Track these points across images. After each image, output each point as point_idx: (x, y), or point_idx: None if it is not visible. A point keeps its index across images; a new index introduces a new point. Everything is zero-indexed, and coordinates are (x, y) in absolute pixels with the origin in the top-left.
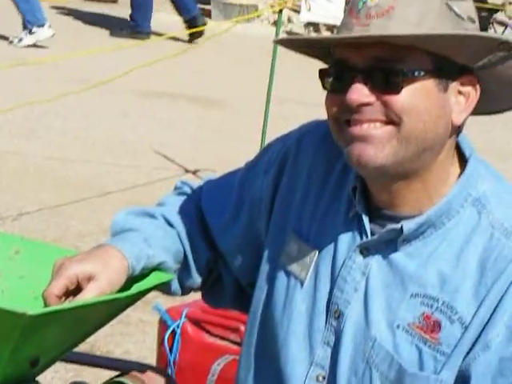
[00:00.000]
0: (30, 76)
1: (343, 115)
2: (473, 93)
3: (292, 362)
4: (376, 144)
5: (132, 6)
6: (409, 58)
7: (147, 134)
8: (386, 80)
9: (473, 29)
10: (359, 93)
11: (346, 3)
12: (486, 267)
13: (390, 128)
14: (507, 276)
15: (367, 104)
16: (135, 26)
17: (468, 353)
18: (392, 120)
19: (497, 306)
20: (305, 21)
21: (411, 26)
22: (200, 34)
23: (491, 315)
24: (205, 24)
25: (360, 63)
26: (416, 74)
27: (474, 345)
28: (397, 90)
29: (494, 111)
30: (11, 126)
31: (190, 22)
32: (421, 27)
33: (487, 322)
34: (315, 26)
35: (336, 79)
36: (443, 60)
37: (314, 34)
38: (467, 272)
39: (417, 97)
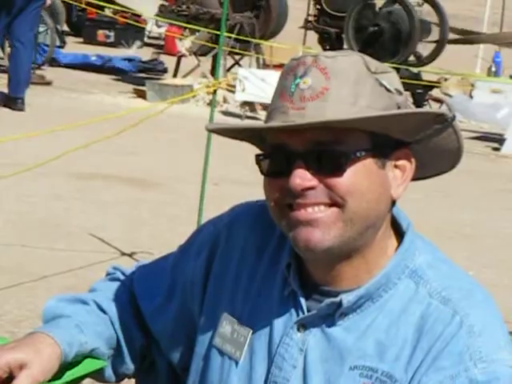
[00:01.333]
0: None
1: (285, 199)
2: (408, 165)
3: None
4: (322, 227)
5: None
6: (348, 139)
7: (82, 216)
8: (329, 163)
9: (402, 101)
10: (302, 177)
11: (277, 86)
12: (423, 332)
13: (334, 210)
14: (444, 338)
15: (311, 188)
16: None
17: None
18: (336, 202)
19: (431, 365)
20: (240, 100)
21: (347, 106)
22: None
23: (431, 372)
24: (21, 110)
25: (300, 148)
26: (358, 154)
27: None
28: (340, 172)
29: (421, 178)
30: None
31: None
32: (357, 107)
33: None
34: (251, 106)
35: (275, 164)
36: (380, 137)
37: (248, 121)
38: (405, 340)
39: (359, 177)
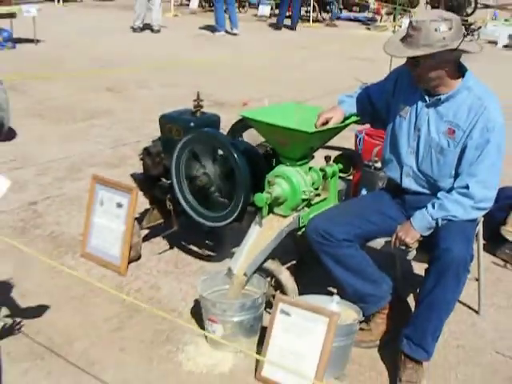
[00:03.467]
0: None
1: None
2: (454, 60)
3: (402, 147)
4: (419, 81)
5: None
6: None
7: (347, 72)
8: (414, 65)
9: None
10: (409, 67)
11: None
12: (472, 109)
13: (421, 76)
14: (478, 113)
15: (412, 70)
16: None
17: (465, 140)
18: (421, 74)
19: (476, 122)
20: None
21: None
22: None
23: (473, 126)
24: None
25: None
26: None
27: (467, 137)
28: (418, 67)
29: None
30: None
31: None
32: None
33: (472, 129)
34: None
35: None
36: (442, 53)
37: None
38: (463, 113)
39: (425, 69)
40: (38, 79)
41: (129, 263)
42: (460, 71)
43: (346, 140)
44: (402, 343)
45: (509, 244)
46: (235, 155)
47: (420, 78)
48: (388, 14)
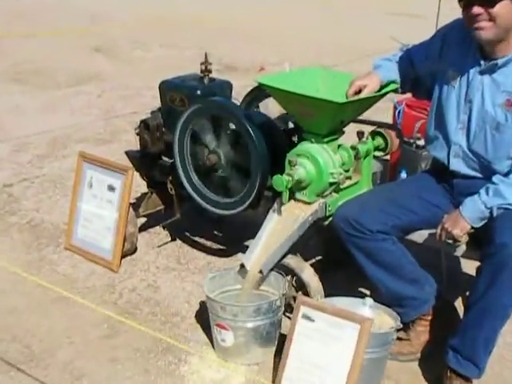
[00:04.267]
0: None
1: (470, 18)
2: None
3: (450, 122)
4: (486, 30)
5: None
6: None
7: (383, 31)
8: (488, 2)
9: None
10: (476, 10)
11: None
12: None
13: (491, 23)
14: None
15: (480, 14)
16: None
17: None
18: (491, 19)
19: None
20: None
21: None
22: None
23: None
24: None
25: None
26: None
27: None
28: (493, 6)
29: None
30: None
31: None
32: None
33: None
34: None
35: (465, 4)
36: None
37: None
38: None
39: (503, 8)
40: (14, 37)
41: (122, 258)
42: None
43: (382, 112)
44: (447, 356)
45: None
46: (250, 130)
47: (488, 27)
48: None
